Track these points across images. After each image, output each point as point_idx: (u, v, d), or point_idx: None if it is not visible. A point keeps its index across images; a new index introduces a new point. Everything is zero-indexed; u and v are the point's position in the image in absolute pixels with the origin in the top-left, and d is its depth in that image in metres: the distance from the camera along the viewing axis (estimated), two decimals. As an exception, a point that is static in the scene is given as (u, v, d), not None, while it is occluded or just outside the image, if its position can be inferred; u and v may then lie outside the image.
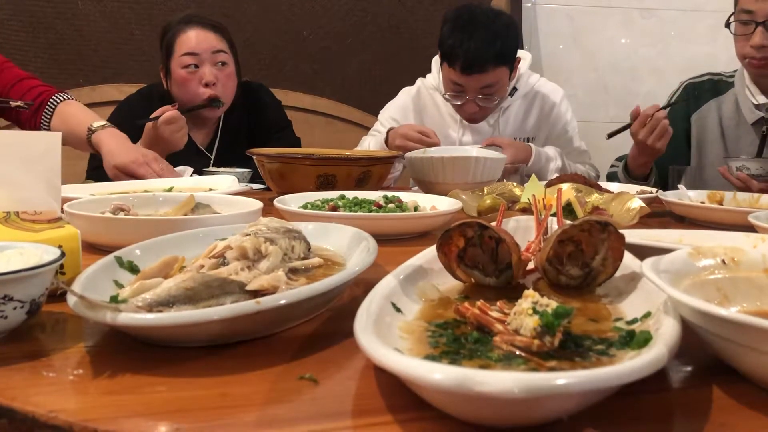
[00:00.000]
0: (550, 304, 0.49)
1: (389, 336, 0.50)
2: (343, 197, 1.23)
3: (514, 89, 2.18)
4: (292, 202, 1.16)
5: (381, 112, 2.30)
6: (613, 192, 1.29)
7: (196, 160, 2.00)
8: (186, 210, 1.05)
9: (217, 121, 2.14)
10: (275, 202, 1.10)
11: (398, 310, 0.57)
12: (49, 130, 1.79)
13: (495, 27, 1.93)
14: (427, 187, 1.60)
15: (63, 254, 0.60)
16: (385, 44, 2.97)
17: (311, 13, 2.91)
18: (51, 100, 1.81)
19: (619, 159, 2.08)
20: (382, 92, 2.51)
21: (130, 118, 1.86)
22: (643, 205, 1.13)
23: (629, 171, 1.94)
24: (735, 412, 0.44)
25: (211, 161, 2.10)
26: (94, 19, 2.72)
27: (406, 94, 2.28)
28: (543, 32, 3.13)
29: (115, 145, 1.66)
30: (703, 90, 2.08)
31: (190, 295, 0.55)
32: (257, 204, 1.02)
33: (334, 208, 1.15)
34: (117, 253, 0.68)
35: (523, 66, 2.21)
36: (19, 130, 1.10)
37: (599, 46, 3.16)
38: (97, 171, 2.00)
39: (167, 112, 1.77)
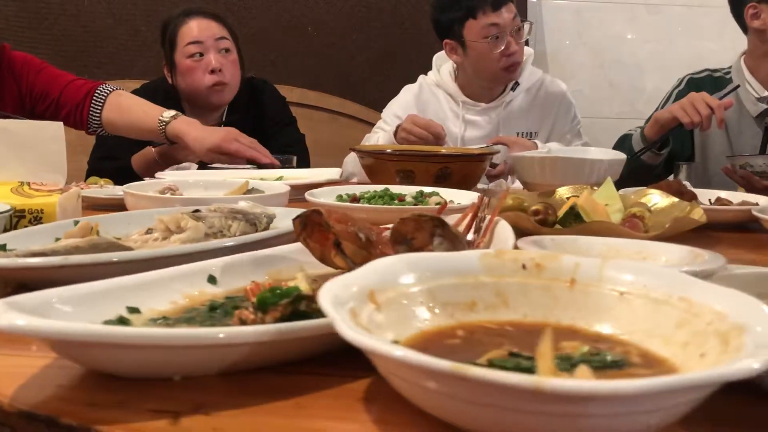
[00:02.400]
0: (301, 287, 0.51)
1: (151, 297, 0.54)
2: (386, 190, 1.26)
3: (517, 83, 2.18)
4: (321, 195, 1.19)
5: (384, 110, 2.30)
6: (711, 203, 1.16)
7: (200, 156, 2.00)
8: (240, 193, 1.22)
9: (220, 118, 2.15)
10: (306, 194, 1.15)
11: (214, 282, 0.59)
12: (99, 122, 1.78)
13: None
14: (534, 189, 1.45)
15: (6, 211, 0.79)
16: (390, 41, 2.97)
17: (316, 9, 2.91)
18: (97, 92, 1.78)
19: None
20: (387, 89, 2.50)
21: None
22: (685, 216, 0.95)
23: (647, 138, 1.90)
24: (326, 398, 0.44)
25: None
26: (99, 15, 2.74)
27: (407, 91, 2.28)
28: (548, 28, 3.13)
29: (197, 131, 1.70)
30: (703, 85, 2.08)
31: (71, 252, 0.61)
32: (284, 188, 1.19)
33: (356, 200, 1.20)
34: (84, 218, 0.79)
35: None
36: (27, 120, 1.22)
37: (605, 42, 3.15)
38: (100, 162, 2.02)
39: None
